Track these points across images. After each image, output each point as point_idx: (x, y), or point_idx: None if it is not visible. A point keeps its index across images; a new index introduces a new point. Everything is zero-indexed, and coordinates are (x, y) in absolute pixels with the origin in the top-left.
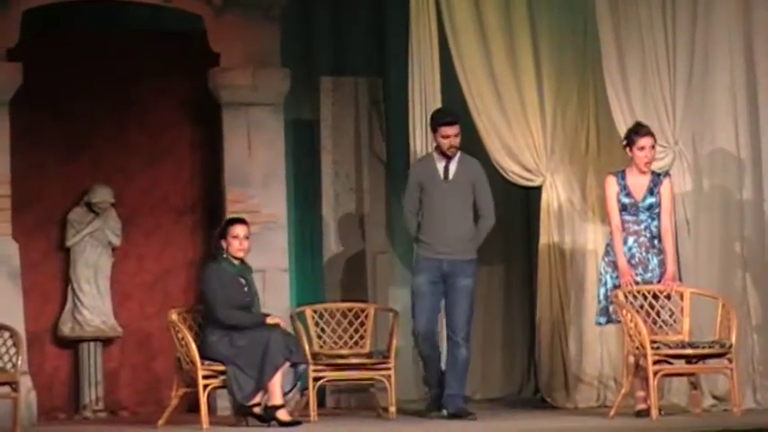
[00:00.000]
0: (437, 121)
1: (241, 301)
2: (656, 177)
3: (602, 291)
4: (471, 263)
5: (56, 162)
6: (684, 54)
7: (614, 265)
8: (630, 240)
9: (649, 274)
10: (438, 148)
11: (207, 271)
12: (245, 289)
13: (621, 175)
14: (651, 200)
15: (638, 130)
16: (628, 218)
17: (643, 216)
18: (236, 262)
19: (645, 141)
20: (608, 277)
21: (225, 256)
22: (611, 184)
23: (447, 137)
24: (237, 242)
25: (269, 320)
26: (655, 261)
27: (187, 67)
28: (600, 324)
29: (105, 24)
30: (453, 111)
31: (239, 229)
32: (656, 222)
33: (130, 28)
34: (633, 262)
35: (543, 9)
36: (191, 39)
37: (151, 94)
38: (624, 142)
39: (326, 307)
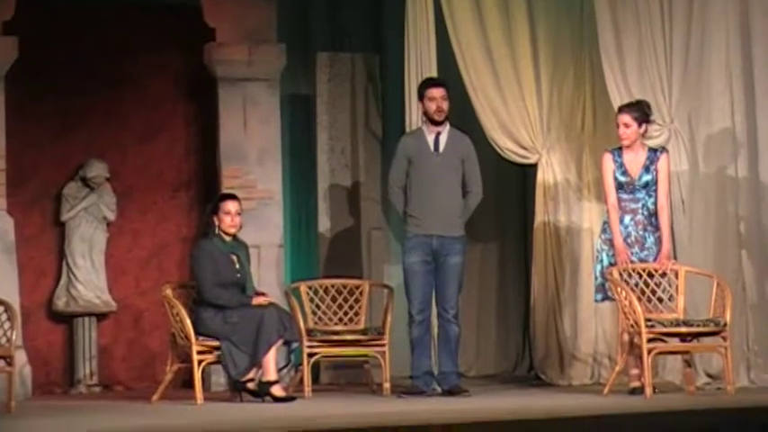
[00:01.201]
0: (423, 85)
1: (231, 278)
2: (653, 154)
3: (599, 268)
4: (461, 240)
5: (50, 137)
6: (681, 33)
7: (611, 243)
8: (627, 219)
9: (646, 252)
10: (427, 119)
11: (197, 249)
12: (237, 266)
13: (618, 153)
14: (647, 177)
15: (619, 107)
16: (624, 196)
17: (640, 194)
18: (227, 238)
19: (618, 119)
20: (604, 255)
21: (216, 232)
22: (608, 162)
23: (433, 99)
24: (229, 218)
25: (254, 302)
26: (651, 239)
27: (182, 42)
28: (597, 301)
29: None
30: (440, 77)
31: (231, 205)
32: (653, 200)
33: (126, 2)
34: (629, 240)
35: None
36: (186, 13)
37: (146, 69)
38: None
39: (321, 283)
